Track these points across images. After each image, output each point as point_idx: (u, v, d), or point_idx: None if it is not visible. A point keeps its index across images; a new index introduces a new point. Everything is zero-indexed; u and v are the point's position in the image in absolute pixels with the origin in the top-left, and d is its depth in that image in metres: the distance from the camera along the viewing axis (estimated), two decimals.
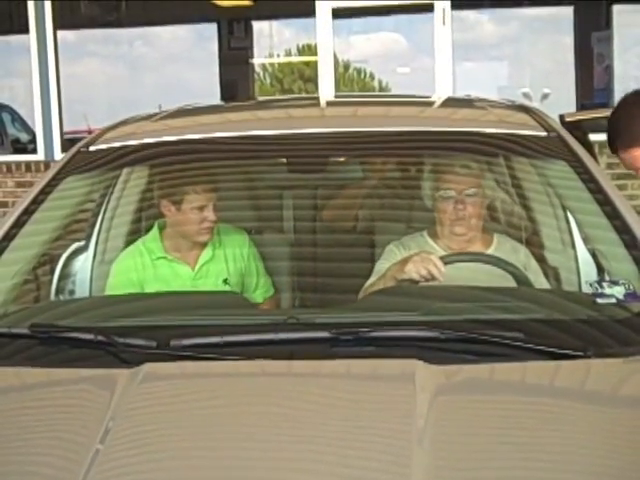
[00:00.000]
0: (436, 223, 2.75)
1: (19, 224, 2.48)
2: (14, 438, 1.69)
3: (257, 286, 2.91)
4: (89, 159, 2.71)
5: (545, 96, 8.88)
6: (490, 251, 2.68)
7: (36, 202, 2.55)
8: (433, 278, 2.38)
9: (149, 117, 3.05)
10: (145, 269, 2.81)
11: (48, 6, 7.80)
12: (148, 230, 2.94)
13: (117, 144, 2.76)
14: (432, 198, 2.73)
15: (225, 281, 2.81)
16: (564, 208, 2.88)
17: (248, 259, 2.90)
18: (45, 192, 2.59)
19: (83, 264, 3.26)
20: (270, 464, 1.54)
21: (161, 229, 2.88)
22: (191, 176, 2.78)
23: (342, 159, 3.26)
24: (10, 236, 2.44)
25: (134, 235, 3.06)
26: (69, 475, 1.53)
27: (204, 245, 2.85)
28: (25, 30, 7.80)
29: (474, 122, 2.83)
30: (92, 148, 2.74)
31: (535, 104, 7.51)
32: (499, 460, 1.55)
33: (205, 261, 2.84)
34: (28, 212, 2.51)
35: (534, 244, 2.84)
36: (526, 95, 8.84)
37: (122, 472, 1.56)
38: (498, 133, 2.67)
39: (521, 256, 2.68)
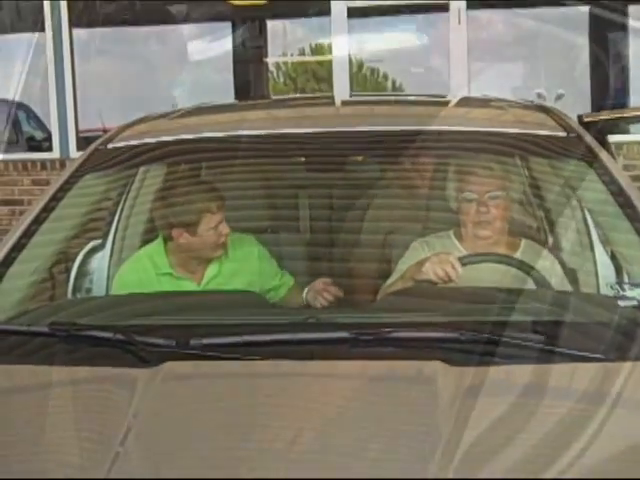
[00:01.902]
0: (460, 225, 2.69)
1: (38, 221, 2.48)
2: (33, 437, 1.70)
3: (276, 282, 2.84)
4: (107, 157, 2.71)
5: (559, 97, 8.83)
6: (517, 255, 2.60)
7: (55, 199, 2.55)
8: (450, 279, 2.37)
9: (166, 115, 3.05)
10: (150, 283, 2.68)
11: (64, 4, 7.82)
12: None
13: (135, 142, 2.76)
14: (455, 199, 2.68)
15: None
16: (583, 209, 2.86)
17: (259, 259, 2.81)
18: (63, 190, 2.59)
19: (100, 262, 3.26)
20: (290, 465, 1.54)
21: (166, 242, 2.74)
22: (204, 192, 2.67)
23: (360, 158, 3.25)
24: (29, 233, 2.45)
25: (151, 234, 3.04)
26: (90, 475, 1.53)
27: (211, 259, 2.72)
28: (41, 28, 7.82)
29: (493, 122, 2.82)
30: (110, 146, 2.74)
31: (549, 104, 7.47)
32: (522, 462, 1.54)
33: (213, 275, 2.73)
34: (47, 210, 2.52)
35: (553, 246, 2.82)
36: (540, 95, 8.79)
37: (143, 472, 1.56)
38: (517, 133, 2.66)
39: (547, 262, 2.62)
